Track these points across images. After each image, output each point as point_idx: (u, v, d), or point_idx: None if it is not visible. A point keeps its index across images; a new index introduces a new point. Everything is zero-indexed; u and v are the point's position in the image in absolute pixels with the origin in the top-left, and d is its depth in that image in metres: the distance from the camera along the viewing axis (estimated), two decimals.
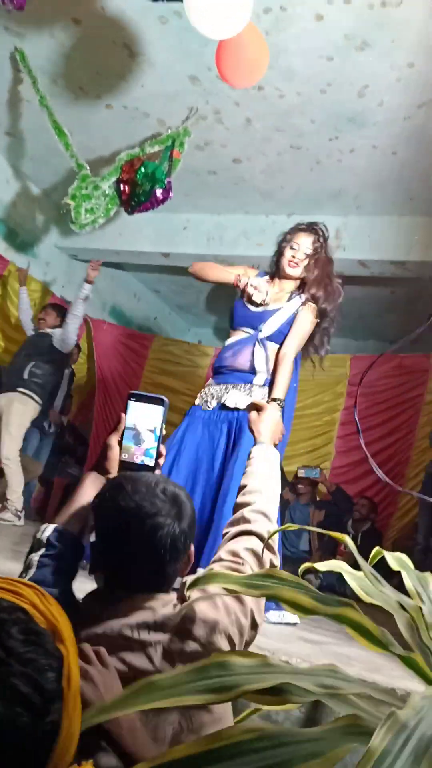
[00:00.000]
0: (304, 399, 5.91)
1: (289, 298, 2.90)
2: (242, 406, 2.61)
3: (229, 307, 3.86)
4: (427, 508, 4.27)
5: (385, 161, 4.26)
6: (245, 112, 4.08)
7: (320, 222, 3.00)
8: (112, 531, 1.04)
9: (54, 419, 5.38)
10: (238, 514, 1.25)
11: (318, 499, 5.33)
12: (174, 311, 8.14)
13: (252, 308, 2.93)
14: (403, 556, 1.19)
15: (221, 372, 2.86)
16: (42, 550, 1.09)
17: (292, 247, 2.90)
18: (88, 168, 4.11)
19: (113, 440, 1.19)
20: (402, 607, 1.11)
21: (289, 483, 5.34)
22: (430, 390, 5.47)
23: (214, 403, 2.74)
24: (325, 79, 3.67)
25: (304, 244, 2.89)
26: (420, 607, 1.10)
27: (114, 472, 1.18)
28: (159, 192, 3.93)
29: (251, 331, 2.87)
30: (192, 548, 1.11)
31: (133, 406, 1.15)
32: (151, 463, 1.12)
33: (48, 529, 1.12)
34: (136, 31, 3.60)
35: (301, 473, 5.04)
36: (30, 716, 0.63)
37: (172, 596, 1.05)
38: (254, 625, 1.09)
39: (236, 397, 2.66)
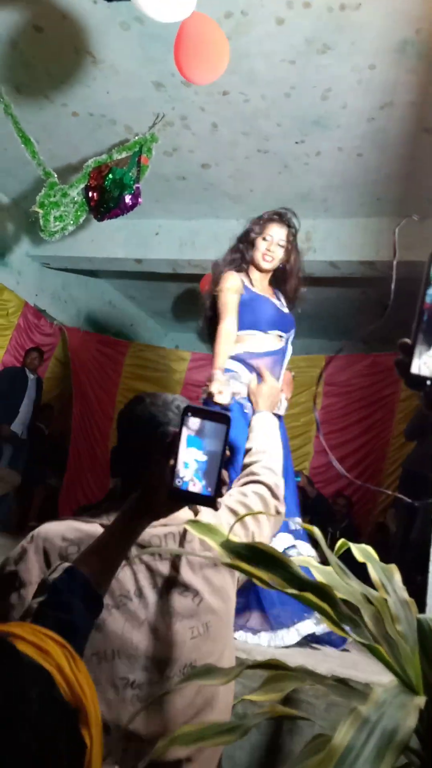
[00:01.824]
0: None
1: (276, 296, 2.78)
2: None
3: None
4: (404, 504, 4.31)
5: (351, 163, 4.31)
6: (211, 117, 4.10)
7: (289, 210, 2.89)
8: (128, 437, 1.16)
9: (4, 432, 5.33)
10: (245, 471, 1.37)
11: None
12: (150, 317, 8.14)
13: (281, 308, 2.74)
14: (369, 548, 1.20)
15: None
16: (44, 596, 0.87)
17: (265, 239, 2.72)
18: (56, 176, 4.11)
19: (162, 467, 0.95)
20: (368, 599, 1.12)
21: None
22: (405, 387, 5.53)
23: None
24: (288, 83, 3.70)
25: (278, 235, 2.74)
26: (385, 599, 1.12)
27: (163, 513, 0.99)
28: (128, 198, 3.94)
29: (282, 336, 2.68)
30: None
31: (192, 422, 0.97)
32: (211, 492, 0.95)
33: (58, 570, 0.91)
34: (98, 39, 3.60)
35: None
36: None
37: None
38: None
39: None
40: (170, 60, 3.35)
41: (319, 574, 1.13)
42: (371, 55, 3.40)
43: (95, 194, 4.00)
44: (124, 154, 4.10)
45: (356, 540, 4.39)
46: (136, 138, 4.19)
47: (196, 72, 3.14)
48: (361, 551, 1.16)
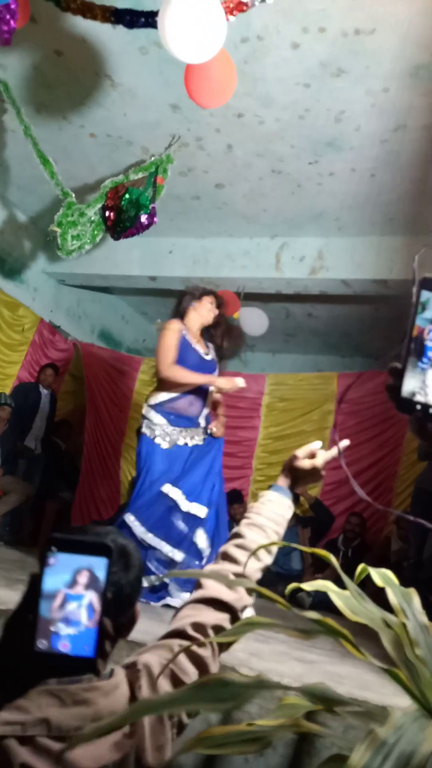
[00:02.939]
0: (293, 418, 5.96)
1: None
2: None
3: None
4: (417, 524, 4.29)
5: (364, 183, 4.36)
6: (226, 139, 4.17)
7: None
8: None
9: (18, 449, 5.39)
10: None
11: (300, 515, 5.34)
12: None
13: (204, 356, 3.49)
14: (388, 572, 1.21)
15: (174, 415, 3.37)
16: None
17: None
18: (74, 195, 4.17)
19: (19, 621, 0.73)
20: (386, 624, 1.14)
21: None
22: None
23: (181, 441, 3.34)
24: (302, 106, 3.76)
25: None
26: (404, 624, 1.13)
27: (18, 689, 0.76)
28: (144, 217, 3.99)
29: None
30: (137, 607, 1.02)
31: (59, 560, 0.72)
32: (89, 652, 0.72)
33: None
34: (117, 62, 3.68)
35: None
36: None
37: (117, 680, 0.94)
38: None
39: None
40: None
41: (338, 598, 1.14)
42: (385, 79, 3.46)
43: (112, 214, 4.07)
44: (140, 175, 4.17)
45: (370, 558, 4.37)
46: (152, 159, 4.26)
47: (205, 97, 3.20)
48: (381, 576, 1.17)
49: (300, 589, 1.12)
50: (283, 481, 1.32)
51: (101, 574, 0.72)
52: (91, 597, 0.71)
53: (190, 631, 1.06)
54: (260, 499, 1.30)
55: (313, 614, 0.94)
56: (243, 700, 0.89)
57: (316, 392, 5.92)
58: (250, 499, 5.59)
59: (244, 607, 1.17)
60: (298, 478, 1.32)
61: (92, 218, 4.10)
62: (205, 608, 1.11)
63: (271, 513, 1.26)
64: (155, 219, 4.07)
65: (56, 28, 3.50)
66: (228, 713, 1.45)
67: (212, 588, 1.14)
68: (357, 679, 1.77)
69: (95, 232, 4.13)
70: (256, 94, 3.71)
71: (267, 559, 1.23)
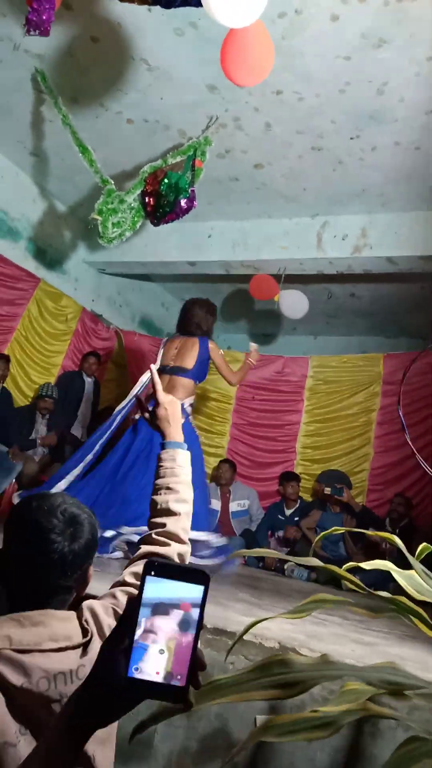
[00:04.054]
0: (338, 400, 5.88)
1: None
2: None
3: (252, 310, 4.16)
4: None
5: (409, 156, 4.23)
6: (265, 117, 4.09)
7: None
8: (11, 543, 1.10)
9: (49, 441, 5.41)
10: (158, 527, 1.34)
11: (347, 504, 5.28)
12: None
13: None
14: None
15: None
16: None
17: None
18: (113, 183, 4.17)
19: (115, 646, 0.72)
20: None
21: (317, 499, 5.33)
22: None
23: None
24: (343, 79, 3.66)
25: None
26: None
27: (114, 713, 0.75)
28: (183, 202, 3.97)
29: None
30: (90, 570, 1.14)
31: (156, 585, 0.70)
32: (181, 682, 0.69)
33: None
34: (153, 45, 3.65)
35: (327, 491, 5.04)
36: None
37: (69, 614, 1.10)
38: None
39: None
40: None
41: (402, 578, 1.11)
42: (430, 47, 3.33)
43: (151, 199, 4.05)
44: (178, 159, 4.14)
45: (415, 538, 4.32)
46: (190, 142, 4.22)
47: (242, 74, 3.13)
48: None
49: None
50: (166, 436, 1.44)
51: (197, 602, 0.70)
52: (185, 624, 0.70)
53: (129, 579, 1.23)
54: (168, 464, 1.40)
55: (384, 594, 0.92)
56: (310, 684, 0.87)
57: (361, 374, 5.83)
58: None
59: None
60: (156, 420, 1.46)
61: (132, 205, 4.10)
62: (141, 562, 1.25)
63: (186, 477, 1.40)
64: (195, 203, 4.04)
65: (91, 14, 3.49)
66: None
67: (145, 548, 1.29)
68: (418, 661, 1.74)
69: (135, 219, 4.13)
70: (295, 69, 3.62)
71: (185, 506, 1.36)
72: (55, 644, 1.02)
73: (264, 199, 5.07)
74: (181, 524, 1.32)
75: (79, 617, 1.10)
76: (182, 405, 3.88)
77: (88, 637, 1.07)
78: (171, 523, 1.31)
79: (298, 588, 3.88)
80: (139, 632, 0.68)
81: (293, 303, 5.46)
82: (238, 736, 1.50)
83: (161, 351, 4.16)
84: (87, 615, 1.11)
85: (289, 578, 4.65)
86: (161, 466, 1.39)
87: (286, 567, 4.82)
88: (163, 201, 3.99)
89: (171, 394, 3.75)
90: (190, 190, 3.99)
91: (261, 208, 5.23)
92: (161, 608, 0.69)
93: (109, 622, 1.13)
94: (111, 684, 0.70)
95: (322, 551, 4.89)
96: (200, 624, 0.70)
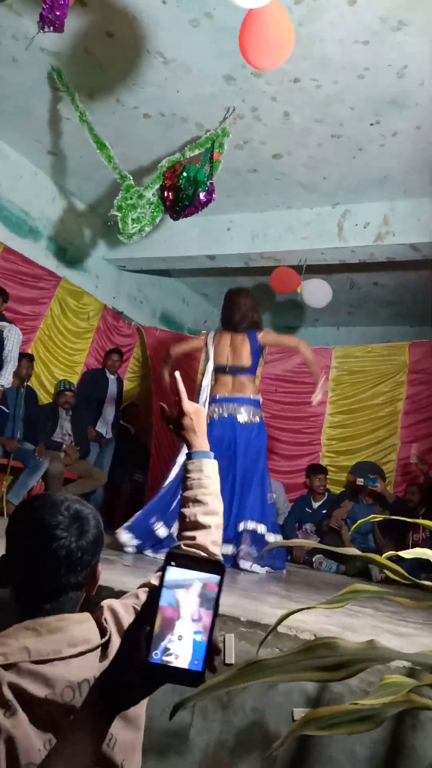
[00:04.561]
0: (363, 390, 5.82)
1: None
2: None
3: (273, 303, 4.08)
4: None
5: (430, 141, 4.15)
6: (283, 107, 4.05)
7: None
8: (16, 543, 1.06)
9: (90, 434, 5.46)
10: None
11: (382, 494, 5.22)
12: None
13: None
14: None
15: None
16: None
17: None
18: (131, 178, 4.16)
19: (138, 632, 0.77)
20: None
21: (349, 489, 5.27)
22: None
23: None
24: (362, 64, 3.61)
25: None
26: None
27: (134, 698, 0.82)
28: (202, 195, 3.95)
29: None
30: (99, 567, 1.10)
31: (176, 574, 0.74)
32: (199, 666, 0.73)
33: None
34: (168, 38, 3.63)
35: (360, 482, 4.98)
36: None
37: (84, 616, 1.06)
38: None
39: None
40: (240, 52, 3.32)
41: None
42: None
43: (170, 194, 4.03)
44: (196, 152, 4.11)
45: None
46: (208, 134, 4.20)
47: (262, 56, 3.07)
48: None
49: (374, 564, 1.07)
50: (192, 445, 1.38)
51: (213, 592, 0.74)
52: (203, 613, 0.74)
53: (154, 582, 1.19)
54: (196, 475, 1.34)
55: (427, 583, 0.89)
56: (358, 668, 0.85)
57: (386, 363, 5.75)
58: None
59: None
60: (182, 430, 1.40)
61: (151, 200, 4.08)
62: None
63: (215, 487, 1.34)
64: (214, 195, 4.01)
65: (106, 9, 3.48)
66: (327, 685, 1.42)
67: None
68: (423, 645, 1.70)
69: (155, 214, 4.11)
70: (313, 56, 3.58)
71: (215, 519, 1.31)
72: (74, 649, 0.98)
73: (283, 189, 5.03)
74: (211, 537, 1.28)
75: (99, 617, 1.07)
76: (259, 401, 3.95)
77: (107, 637, 1.04)
78: (201, 536, 1.27)
79: (328, 580, 3.85)
80: (159, 619, 0.72)
81: (316, 291, 5.40)
82: (275, 729, 1.49)
83: (211, 348, 4.00)
84: (107, 614, 1.08)
85: (317, 571, 4.63)
86: (188, 477, 1.33)
87: (314, 560, 4.80)
88: (182, 195, 3.98)
89: (239, 392, 3.84)
90: (209, 183, 3.96)
91: (280, 199, 5.19)
92: (181, 596, 0.73)
93: (129, 620, 1.08)
94: (133, 669, 0.74)
95: (352, 543, 4.85)
96: (216, 611, 0.74)
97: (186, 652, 0.73)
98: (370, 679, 1.39)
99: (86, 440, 5.42)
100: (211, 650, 0.74)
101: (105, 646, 1.03)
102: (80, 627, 1.02)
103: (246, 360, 3.89)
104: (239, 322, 3.95)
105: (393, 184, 4.68)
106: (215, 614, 0.74)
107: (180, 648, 0.73)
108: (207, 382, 3.92)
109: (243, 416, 3.79)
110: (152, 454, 6.13)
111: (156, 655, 0.72)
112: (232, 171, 4.73)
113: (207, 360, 4.00)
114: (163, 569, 0.73)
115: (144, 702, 1.05)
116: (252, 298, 4.06)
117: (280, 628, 1.55)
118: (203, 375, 3.98)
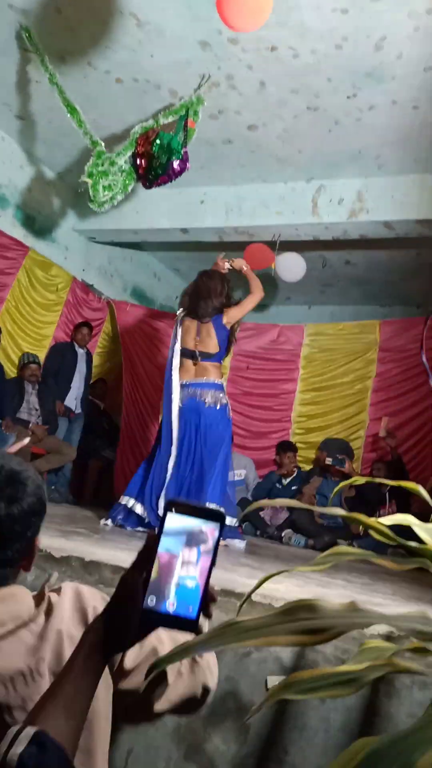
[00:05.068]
0: (334, 368, 5.85)
1: None
2: None
3: (245, 279, 4.05)
4: None
5: (406, 116, 4.13)
6: (259, 75, 3.97)
7: None
8: None
9: (59, 408, 5.38)
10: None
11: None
12: None
13: None
14: None
15: None
16: None
17: None
18: (103, 144, 4.04)
19: (135, 577, 0.74)
20: None
21: (317, 467, 5.31)
22: None
23: None
24: (340, 34, 3.54)
25: None
26: None
27: (130, 643, 0.79)
28: (176, 163, 3.86)
29: None
30: (37, 541, 0.98)
31: (175, 521, 0.73)
32: (194, 614, 0.73)
33: (21, 738, 0.67)
34: None
35: (328, 461, 5.02)
36: None
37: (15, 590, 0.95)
38: None
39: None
40: (217, 17, 3.22)
41: (423, 531, 1.08)
42: None
43: (143, 161, 3.93)
44: (170, 119, 4.01)
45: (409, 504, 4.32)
46: (182, 101, 4.09)
47: (238, 17, 2.95)
48: None
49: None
50: None
51: (212, 539, 0.74)
52: (201, 560, 0.73)
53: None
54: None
55: (413, 543, 0.88)
56: (339, 630, 0.83)
57: (357, 341, 5.79)
58: None
59: None
60: None
61: (123, 167, 3.97)
62: None
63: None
64: (188, 164, 3.93)
65: None
66: (302, 652, 1.41)
67: None
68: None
69: (127, 182, 4.01)
70: (290, 24, 3.50)
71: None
72: (2, 629, 0.86)
73: (258, 162, 4.95)
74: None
75: (41, 595, 0.96)
76: (223, 385, 3.93)
77: (44, 606, 0.93)
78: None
79: (297, 554, 3.88)
80: (156, 566, 0.72)
81: (292, 266, 5.36)
82: (249, 698, 1.48)
83: (179, 330, 3.94)
84: (67, 593, 0.97)
85: (287, 546, 4.67)
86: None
87: (284, 534, 4.84)
88: (156, 163, 3.88)
89: (203, 376, 3.79)
90: (183, 151, 3.87)
91: (255, 172, 5.12)
92: (178, 543, 0.73)
93: (98, 606, 0.98)
94: (128, 614, 0.73)
95: (320, 519, 4.90)
96: (214, 559, 0.73)
97: (182, 599, 0.73)
98: (345, 646, 1.39)
99: (54, 415, 5.33)
100: (207, 597, 0.73)
101: (44, 628, 0.91)
102: (7, 604, 0.90)
103: (212, 348, 3.87)
104: (202, 315, 3.89)
105: (368, 159, 4.65)
106: (213, 561, 0.73)
107: (176, 594, 0.73)
108: (176, 362, 3.87)
109: (208, 399, 3.79)
110: (122, 431, 6.07)
111: (151, 601, 0.72)
112: (207, 142, 4.64)
113: (175, 341, 3.94)
114: (162, 517, 0.73)
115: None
116: (222, 282, 3.93)
117: (254, 597, 1.53)
118: (172, 353, 3.91)
